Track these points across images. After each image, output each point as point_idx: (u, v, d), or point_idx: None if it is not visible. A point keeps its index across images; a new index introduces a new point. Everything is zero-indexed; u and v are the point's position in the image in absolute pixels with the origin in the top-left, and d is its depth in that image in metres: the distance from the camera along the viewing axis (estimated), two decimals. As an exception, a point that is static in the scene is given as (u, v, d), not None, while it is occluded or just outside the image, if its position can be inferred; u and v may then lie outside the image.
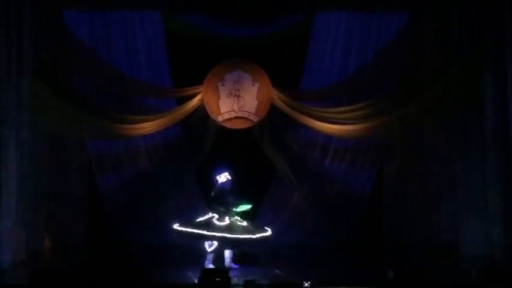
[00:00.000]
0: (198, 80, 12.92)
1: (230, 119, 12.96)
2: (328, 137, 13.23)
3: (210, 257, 11.12)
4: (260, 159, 13.11)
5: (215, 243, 11.06)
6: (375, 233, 13.28)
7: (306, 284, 7.86)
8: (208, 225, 11.04)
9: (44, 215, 12.35)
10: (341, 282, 9.36)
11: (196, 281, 8.68)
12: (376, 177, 13.49)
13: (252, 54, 12.97)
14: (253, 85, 12.96)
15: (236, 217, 11.22)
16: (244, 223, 11.17)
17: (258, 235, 11.07)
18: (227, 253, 11.33)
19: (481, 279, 7.53)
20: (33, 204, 11.69)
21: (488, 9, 11.55)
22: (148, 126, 12.64)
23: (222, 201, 11.33)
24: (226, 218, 11.00)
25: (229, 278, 8.18)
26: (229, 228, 10.99)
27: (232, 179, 11.69)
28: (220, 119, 12.93)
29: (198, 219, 11.31)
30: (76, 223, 13.08)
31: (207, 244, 11.05)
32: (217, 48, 12.98)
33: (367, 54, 13.06)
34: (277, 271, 10.57)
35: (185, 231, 11.06)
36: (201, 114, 12.97)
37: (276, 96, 12.91)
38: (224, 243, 11.07)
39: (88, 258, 12.31)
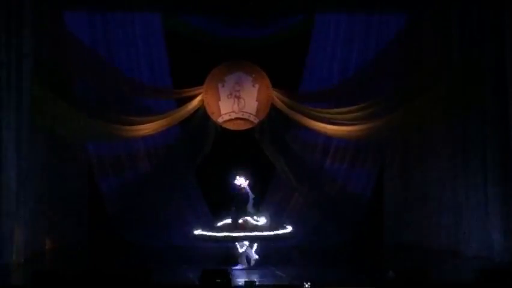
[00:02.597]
0: (198, 81, 12.94)
1: (230, 120, 12.99)
2: (328, 138, 13.26)
3: (243, 258, 10.89)
4: (260, 160, 13.11)
5: (246, 243, 10.88)
6: (375, 233, 13.31)
7: (307, 285, 7.84)
8: (230, 227, 10.84)
9: (46, 216, 12.37)
10: (341, 282, 9.35)
11: (196, 282, 8.67)
12: (377, 178, 13.51)
13: (252, 56, 13.00)
14: (253, 86, 12.97)
15: (248, 217, 10.96)
16: (261, 222, 10.96)
17: (278, 231, 10.97)
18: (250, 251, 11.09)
19: (480, 280, 7.53)
20: (34, 206, 11.70)
21: (488, 8, 11.55)
22: (148, 128, 12.65)
23: (243, 204, 11.10)
24: (240, 219, 10.84)
25: (230, 279, 8.17)
26: (247, 228, 10.80)
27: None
28: (220, 120, 12.95)
29: (218, 224, 11.07)
30: (77, 224, 13.15)
31: (238, 245, 10.88)
32: (217, 49, 13.00)
33: (367, 55, 13.09)
34: (277, 272, 10.55)
35: (209, 236, 10.88)
36: (201, 116, 12.99)
37: (276, 97, 12.93)
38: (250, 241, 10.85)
39: (89, 259, 12.31)
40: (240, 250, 10.83)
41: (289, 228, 11.06)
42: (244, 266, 10.73)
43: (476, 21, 11.62)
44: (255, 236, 10.73)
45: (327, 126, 12.71)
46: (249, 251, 10.87)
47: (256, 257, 10.81)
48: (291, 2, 12.86)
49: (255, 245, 10.95)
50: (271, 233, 10.81)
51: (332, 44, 13.15)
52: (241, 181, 10.97)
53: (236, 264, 10.71)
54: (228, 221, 10.87)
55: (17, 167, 11.16)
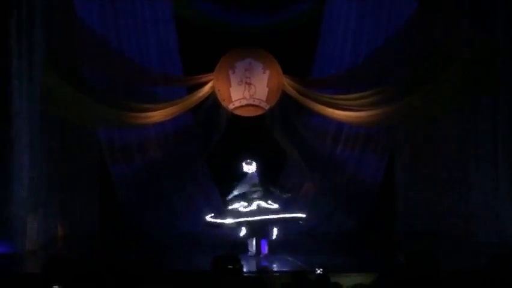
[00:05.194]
0: (209, 68, 12.90)
1: (241, 106, 12.94)
2: (339, 124, 13.22)
3: (251, 244, 10.82)
4: (271, 147, 13.11)
5: (244, 229, 10.81)
6: (386, 219, 13.31)
7: (319, 271, 7.83)
8: (236, 213, 10.79)
9: (57, 204, 12.44)
10: (352, 268, 9.38)
11: (208, 269, 8.68)
12: (387, 164, 13.49)
13: (263, 42, 12.94)
14: (264, 72, 12.93)
15: (260, 201, 10.90)
16: (274, 206, 10.90)
17: (292, 215, 10.92)
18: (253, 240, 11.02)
19: (492, 265, 7.50)
20: (46, 194, 11.76)
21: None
22: (159, 115, 12.64)
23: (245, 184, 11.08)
24: (254, 204, 10.79)
25: (242, 265, 8.16)
26: (259, 212, 10.74)
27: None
28: (231, 106, 12.92)
29: (228, 208, 11.04)
30: (88, 212, 13.22)
31: (243, 230, 10.83)
32: (227, 35, 12.96)
33: (378, 41, 13.01)
34: (289, 258, 10.56)
35: (219, 223, 10.84)
36: (212, 102, 12.97)
37: (287, 84, 12.88)
38: (258, 227, 10.78)
39: (100, 247, 12.36)
40: (241, 234, 10.75)
41: (302, 215, 11.01)
42: (253, 253, 10.69)
43: (487, 7, 11.54)
44: (269, 219, 10.69)
45: (338, 112, 12.66)
46: (262, 243, 10.80)
47: (265, 252, 10.72)
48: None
49: (275, 232, 10.86)
50: (282, 215, 10.77)
51: (343, 30, 13.07)
52: (249, 166, 10.97)
53: (246, 252, 10.68)
54: (239, 205, 10.82)
55: (29, 154, 11.20)
